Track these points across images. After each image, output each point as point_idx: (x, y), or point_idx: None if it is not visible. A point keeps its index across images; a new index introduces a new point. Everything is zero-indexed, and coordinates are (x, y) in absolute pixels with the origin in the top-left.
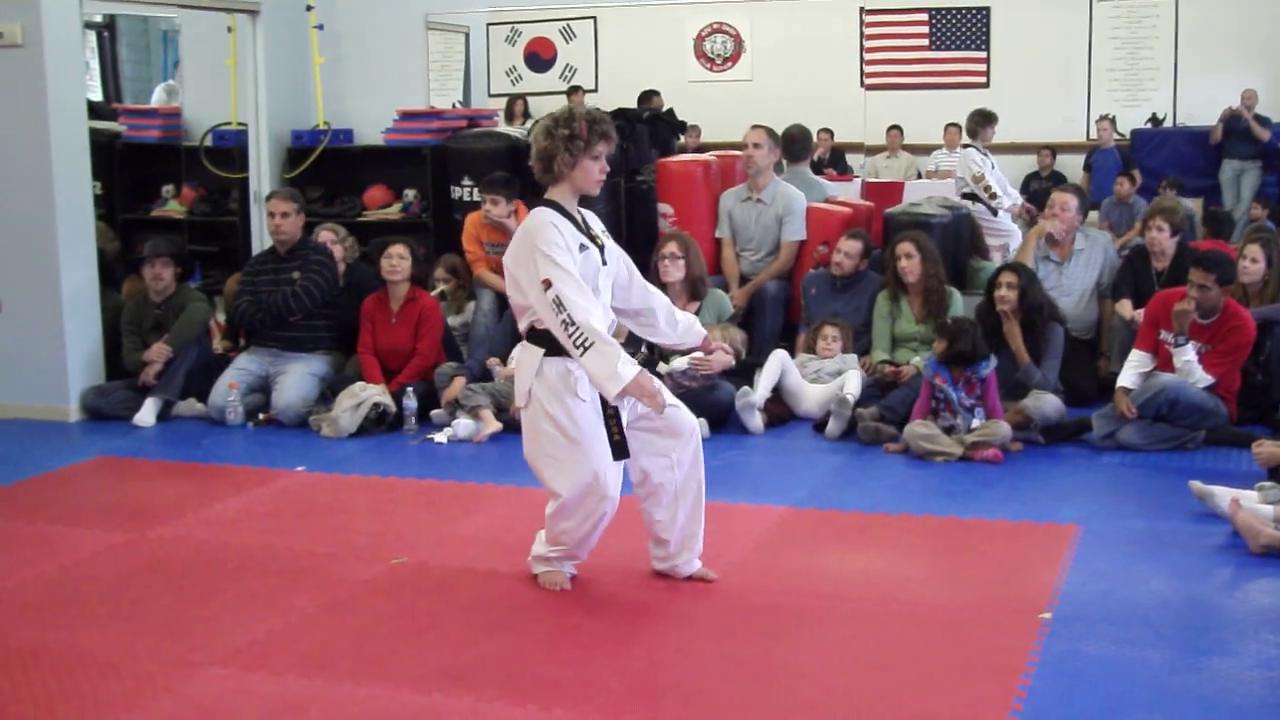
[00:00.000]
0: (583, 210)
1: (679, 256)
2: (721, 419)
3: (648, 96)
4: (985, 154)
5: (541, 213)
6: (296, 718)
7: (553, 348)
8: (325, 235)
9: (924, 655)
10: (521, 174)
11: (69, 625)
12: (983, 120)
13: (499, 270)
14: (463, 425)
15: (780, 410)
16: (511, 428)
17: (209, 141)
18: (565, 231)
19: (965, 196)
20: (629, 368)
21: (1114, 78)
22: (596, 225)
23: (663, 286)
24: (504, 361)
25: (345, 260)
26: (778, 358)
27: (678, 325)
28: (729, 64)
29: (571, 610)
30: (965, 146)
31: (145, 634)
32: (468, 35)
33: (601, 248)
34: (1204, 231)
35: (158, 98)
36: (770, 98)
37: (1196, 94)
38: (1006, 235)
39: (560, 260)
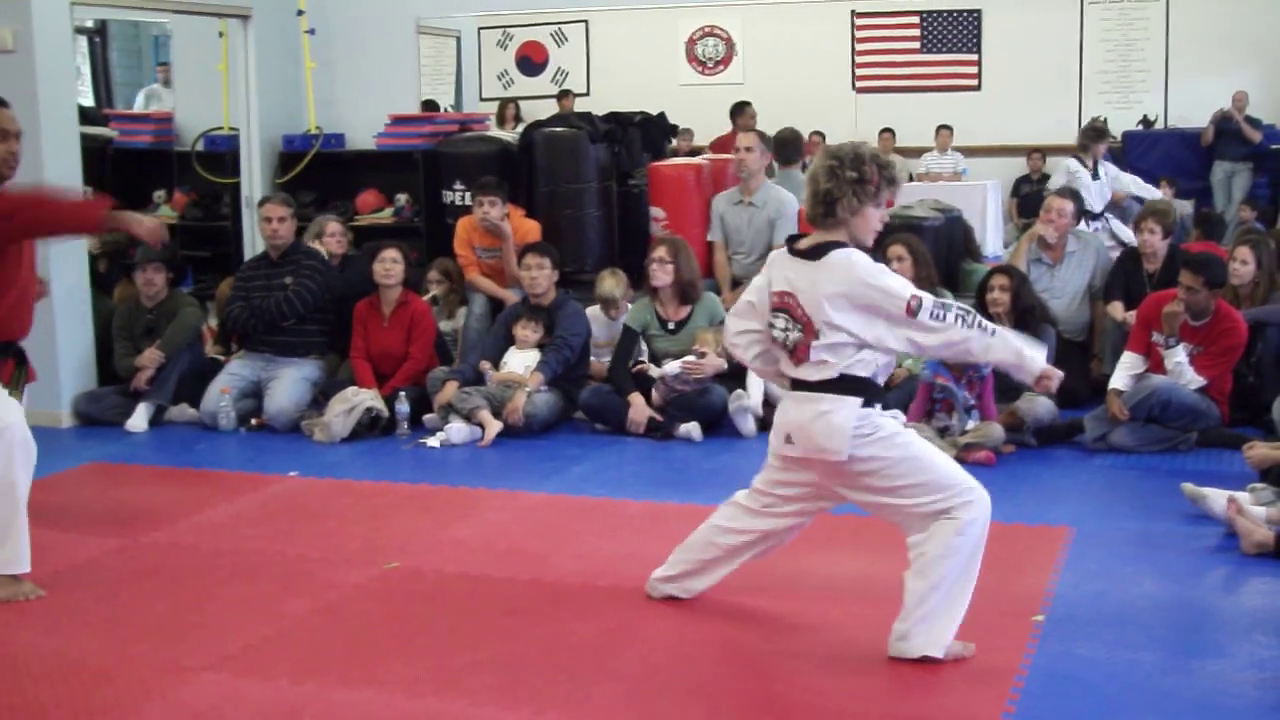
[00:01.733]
0: None
1: (668, 261)
2: (714, 422)
3: (741, 106)
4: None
5: (847, 252)
6: None
7: (869, 396)
8: (334, 226)
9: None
10: (512, 178)
11: (62, 631)
12: (1096, 136)
13: (491, 275)
14: (455, 430)
15: (772, 414)
16: (510, 431)
17: (200, 146)
18: None
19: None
20: (1036, 349)
21: (1105, 80)
22: None
23: (653, 291)
24: (496, 365)
25: (345, 253)
26: (757, 381)
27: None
28: (720, 67)
29: (565, 615)
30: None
31: (138, 640)
32: (459, 39)
33: None
34: (1196, 233)
35: (139, 104)
36: (762, 100)
37: (1188, 96)
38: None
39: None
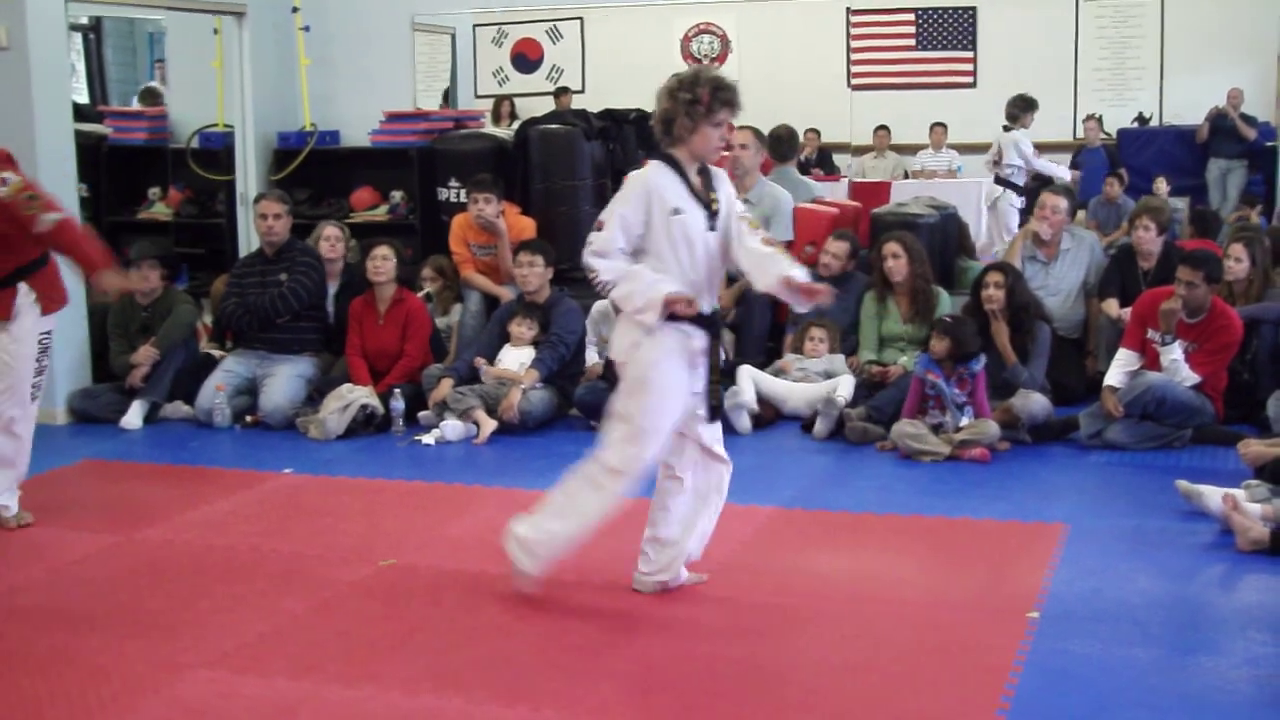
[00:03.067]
0: (711, 170)
1: None
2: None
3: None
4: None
5: (648, 168)
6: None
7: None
8: (331, 230)
9: (912, 655)
10: (507, 175)
11: (57, 628)
12: (1025, 105)
13: (486, 272)
14: (450, 427)
15: (767, 412)
16: (505, 428)
17: (195, 143)
18: (665, 191)
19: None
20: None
21: (1100, 77)
22: (722, 189)
23: None
24: (491, 363)
25: (346, 260)
26: (747, 374)
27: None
28: (716, 64)
29: (561, 611)
30: (1008, 130)
31: (134, 636)
32: (454, 36)
33: (714, 212)
34: (1190, 230)
35: (137, 101)
36: (757, 98)
37: (1183, 93)
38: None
39: (619, 210)
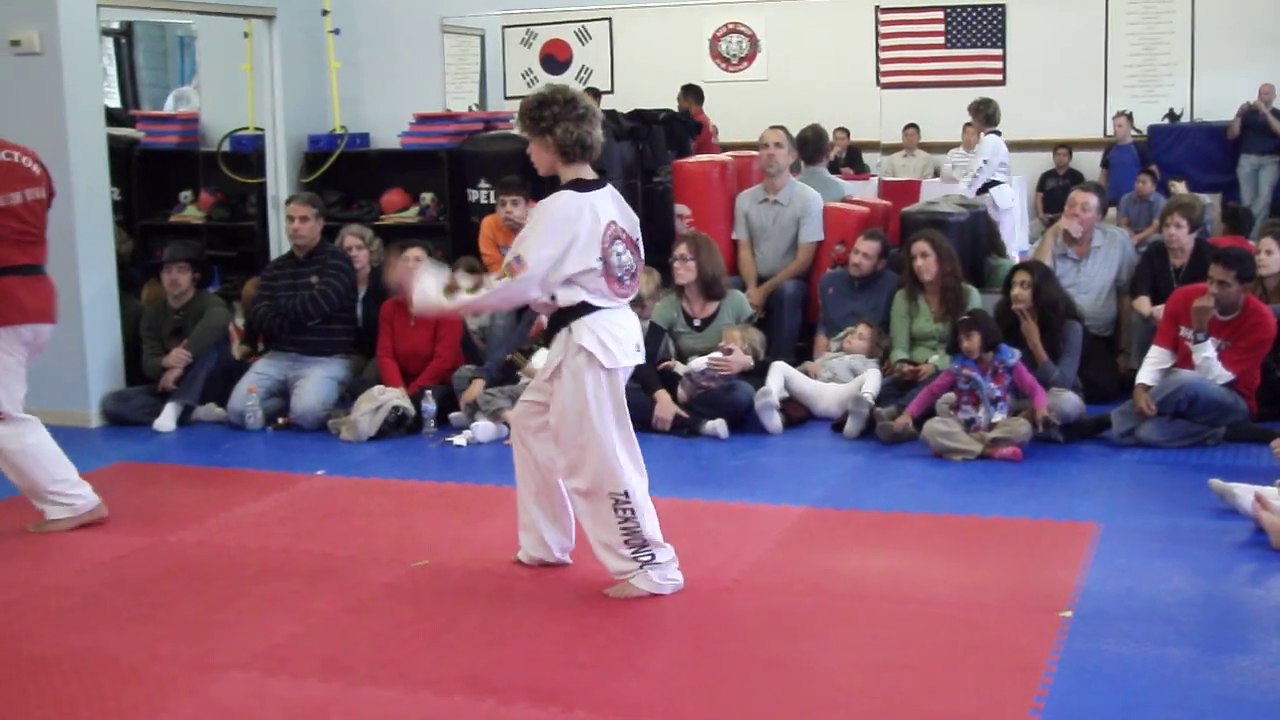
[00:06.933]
0: None
1: (688, 258)
2: (740, 419)
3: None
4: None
5: None
6: None
7: None
8: (351, 240)
9: (944, 654)
10: (536, 176)
11: (90, 629)
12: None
13: None
14: (482, 428)
15: (798, 411)
16: None
17: (226, 147)
18: None
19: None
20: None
21: (1131, 74)
22: None
23: (679, 288)
24: (526, 358)
25: (371, 264)
26: (778, 371)
27: None
28: (744, 64)
29: (592, 612)
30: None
31: (166, 638)
32: (483, 38)
33: None
34: (1223, 227)
35: (169, 105)
36: (786, 97)
37: (1213, 89)
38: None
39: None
